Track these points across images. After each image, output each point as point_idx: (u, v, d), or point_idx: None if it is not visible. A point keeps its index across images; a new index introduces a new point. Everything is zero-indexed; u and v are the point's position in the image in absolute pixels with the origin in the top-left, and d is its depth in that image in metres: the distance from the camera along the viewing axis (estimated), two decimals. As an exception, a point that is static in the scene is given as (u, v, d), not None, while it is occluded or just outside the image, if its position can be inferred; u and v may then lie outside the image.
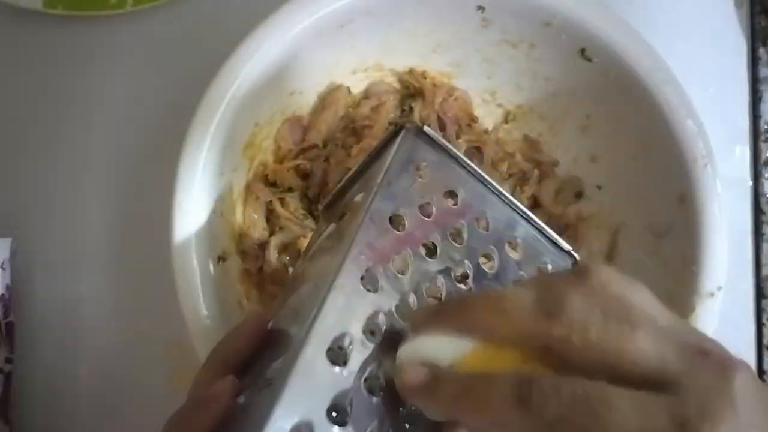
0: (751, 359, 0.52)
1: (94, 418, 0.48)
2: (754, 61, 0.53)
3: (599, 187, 0.48)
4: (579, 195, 0.49)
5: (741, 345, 0.52)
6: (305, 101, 0.46)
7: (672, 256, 0.43)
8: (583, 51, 0.43)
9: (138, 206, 0.49)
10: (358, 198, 0.34)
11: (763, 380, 0.52)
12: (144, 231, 0.49)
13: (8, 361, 0.46)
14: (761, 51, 0.53)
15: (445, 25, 0.44)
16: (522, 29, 0.44)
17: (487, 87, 0.48)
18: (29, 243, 0.48)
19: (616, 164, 0.46)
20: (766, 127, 0.53)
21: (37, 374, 0.48)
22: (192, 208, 0.39)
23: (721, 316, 0.52)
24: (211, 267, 0.40)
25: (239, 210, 0.45)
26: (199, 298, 0.39)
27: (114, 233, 0.49)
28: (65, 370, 0.48)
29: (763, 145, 0.53)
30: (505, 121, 0.50)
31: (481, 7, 0.42)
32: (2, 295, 0.46)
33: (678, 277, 0.42)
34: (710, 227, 0.41)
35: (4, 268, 0.46)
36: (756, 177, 0.53)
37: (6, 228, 0.48)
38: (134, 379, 0.48)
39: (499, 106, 0.49)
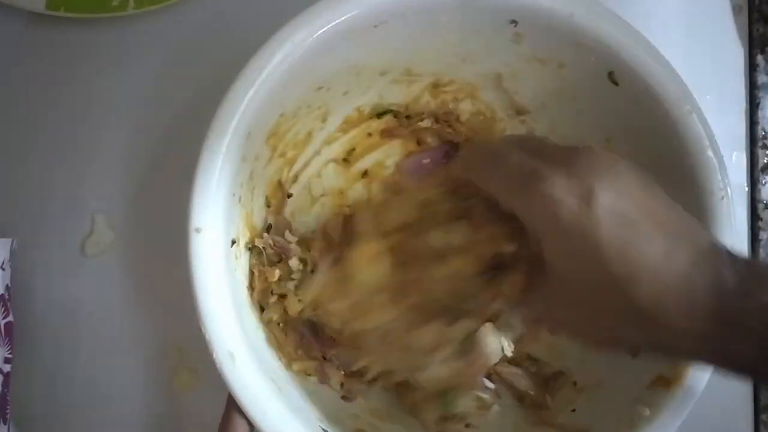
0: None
1: (94, 419, 0.48)
2: (751, 68, 0.54)
3: None
4: None
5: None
6: (331, 97, 0.46)
7: None
8: (611, 74, 0.43)
9: (139, 207, 0.49)
10: None
11: (759, 386, 0.52)
12: (145, 232, 0.49)
13: (7, 361, 0.46)
14: (759, 58, 0.53)
15: (477, 36, 0.44)
16: (552, 47, 0.43)
17: (513, 102, 0.48)
18: (29, 243, 0.49)
19: None
20: (763, 133, 0.53)
21: (36, 374, 0.48)
22: (212, 189, 0.39)
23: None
24: (225, 249, 0.40)
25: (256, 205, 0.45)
26: (210, 276, 0.39)
27: (115, 234, 0.49)
28: (64, 370, 0.48)
29: (760, 152, 0.53)
30: None
31: (514, 21, 0.42)
32: (2, 295, 0.46)
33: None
34: None
35: (4, 269, 0.46)
36: (753, 183, 0.53)
37: (6, 228, 0.49)
38: (134, 379, 0.48)
39: (523, 122, 0.49)
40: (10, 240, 0.47)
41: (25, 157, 0.50)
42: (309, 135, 0.47)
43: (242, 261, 0.44)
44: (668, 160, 0.42)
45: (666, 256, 0.31)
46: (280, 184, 0.47)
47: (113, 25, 0.50)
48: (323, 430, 0.41)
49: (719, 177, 0.41)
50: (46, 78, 0.50)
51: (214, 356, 0.38)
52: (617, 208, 0.32)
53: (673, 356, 0.37)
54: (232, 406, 0.39)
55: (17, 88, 0.50)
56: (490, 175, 0.36)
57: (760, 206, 0.53)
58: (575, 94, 0.46)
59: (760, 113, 0.53)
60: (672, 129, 0.41)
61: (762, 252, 0.52)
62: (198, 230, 0.39)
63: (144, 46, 0.50)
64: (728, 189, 0.41)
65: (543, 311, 0.38)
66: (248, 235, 0.45)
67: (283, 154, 0.46)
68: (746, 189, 0.53)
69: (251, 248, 0.45)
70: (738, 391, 0.52)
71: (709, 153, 0.41)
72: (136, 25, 0.50)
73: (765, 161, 0.53)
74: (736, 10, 0.54)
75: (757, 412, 0.52)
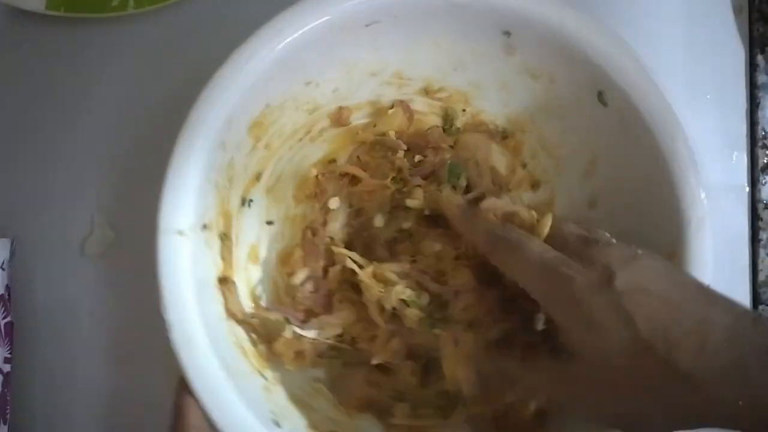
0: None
1: (93, 419, 0.48)
2: (752, 68, 0.54)
3: None
4: None
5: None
6: (320, 93, 0.46)
7: None
8: (600, 94, 0.42)
9: (139, 207, 0.49)
10: None
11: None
12: (145, 232, 0.49)
13: (7, 361, 0.46)
14: (759, 57, 0.53)
15: (469, 44, 0.44)
16: (544, 61, 0.43)
17: (502, 113, 0.48)
18: (29, 243, 0.49)
19: (613, 213, 0.46)
20: (763, 133, 0.53)
21: (35, 374, 0.48)
22: (189, 172, 0.39)
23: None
24: (194, 233, 0.40)
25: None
26: (177, 258, 0.39)
27: (115, 234, 0.49)
28: (64, 370, 0.48)
29: (760, 152, 0.53)
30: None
31: (507, 32, 0.42)
32: (2, 295, 0.46)
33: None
34: None
35: (3, 269, 0.46)
36: (753, 183, 0.53)
37: (6, 228, 0.49)
38: (133, 379, 0.48)
39: (512, 136, 0.49)
40: (10, 240, 0.47)
41: (25, 157, 0.50)
42: (295, 130, 0.46)
43: (213, 248, 0.43)
44: (651, 186, 0.42)
45: (702, 323, 0.30)
46: (258, 177, 0.47)
47: (113, 25, 0.50)
48: (274, 423, 0.41)
49: (699, 206, 0.41)
50: (46, 78, 0.50)
51: (171, 339, 0.38)
52: (638, 283, 0.32)
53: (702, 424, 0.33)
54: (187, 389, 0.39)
55: (17, 88, 0.50)
56: (512, 262, 0.37)
57: (760, 206, 0.53)
58: (564, 111, 0.46)
59: (760, 113, 0.53)
60: (657, 156, 0.41)
61: (762, 252, 0.52)
62: (168, 211, 0.39)
63: (144, 46, 0.50)
64: (706, 220, 0.41)
65: (565, 396, 0.37)
66: (222, 222, 0.44)
67: (267, 146, 0.46)
68: (746, 189, 0.53)
69: (223, 237, 0.45)
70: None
71: (693, 181, 0.41)
72: (136, 25, 0.50)
73: (765, 161, 0.53)
74: (736, 10, 0.54)
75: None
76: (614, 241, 0.37)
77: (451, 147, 0.48)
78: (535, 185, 0.49)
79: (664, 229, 0.42)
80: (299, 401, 0.45)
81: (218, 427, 0.38)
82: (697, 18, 0.54)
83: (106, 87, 0.50)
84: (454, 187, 0.45)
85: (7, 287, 0.46)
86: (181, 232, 0.39)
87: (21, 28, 0.50)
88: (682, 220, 0.41)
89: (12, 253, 0.47)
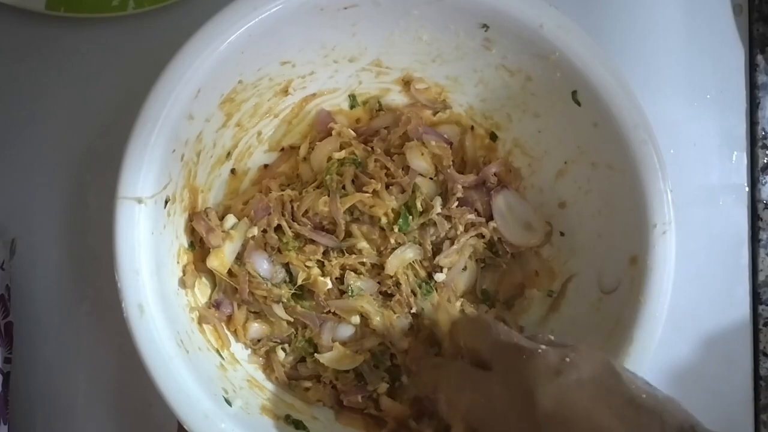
0: (747, 364, 0.52)
1: (93, 418, 0.48)
2: (752, 68, 0.54)
3: (562, 234, 0.47)
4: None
5: (737, 350, 0.52)
6: (297, 74, 0.45)
7: (610, 315, 0.42)
8: (574, 93, 0.43)
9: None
10: None
11: (759, 386, 0.52)
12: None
13: (7, 361, 0.46)
14: (759, 58, 0.53)
15: (449, 37, 0.44)
16: (521, 58, 0.43)
17: (480, 108, 0.48)
18: (29, 243, 0.49)
19: (582, 215, 0.46)
20: (763, 133, 0.53)
21: (35, 374, 0.48)
22: (153, 139, 0.39)
23: (717, 321, 0.52)
24: (155, 203, 0.40)
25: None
26: (135, 227, 0.39)
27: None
28: (64, 370, 0.48)
29: (760, 152, 0.53)
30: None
31: (485, 26, 0.42)
32: (2, 295, 0.46)
33: (610, 336, 0.42)
34: (653, 295, 0.41)
35: (4, 269, 0.46)
36: (753, 183, 0.53)
37: (6, 228, 0.49)
38: (133, 379, 0.48)
39: (487, 131, 0.49)
40: (10, 240, 0.47)
41: (25, 157, 0.50)
42: (269, 110, 0.46)
43: (176, 220, 0.43)
44: (620, 189, 0.43)
45: None
46: (228, 155, 0.46)
47: (113, 25, 0.50)
48: (226, 400, 0.41)
49: (665, 210, 0.41)
50: (47, 77, 0.50)
51: (123, 306, 0.38)
52: (559, 413, 0.32)
53: None
54: None
55: (17, 88, 0.50)
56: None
57: (760, 206, 0.53)
58: (540, 109, 0.46)
59: (760, 113, 0.53)
60: (627, 156, 0.41)
61: (762, 252, 0.52)
62: (128, 178, 0.38)
63: (144, 45, 0.50)
64: (672, 224, 0.41)
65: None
66: (189, 197, 0.44)
67: (239, 125, 0.45)
68: (746, 189, 0.53)
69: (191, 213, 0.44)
70: (738, 390, 0.52)
71: (660, 186, 0.41)
72: (136, 25, 0.50)
73: (765, 161, 0.53)
74: (736, 10, 0.54)
75: (757, 412, 0.52)
76: (549, 337, 0.37)
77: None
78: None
79: (629, 233, 0.42)
80: (255, 383, 0.45)
81: (166, 398, 0.38)
82: (697, 18, 0.54)
83: (106, 87, 0.50)
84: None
85: (7, 287, 0.46)
86: (140, 200, 0.39)
87: (21, 28, 0.50)
88: (647, 224, 0.41)
89: (12, 253, 0.47)
